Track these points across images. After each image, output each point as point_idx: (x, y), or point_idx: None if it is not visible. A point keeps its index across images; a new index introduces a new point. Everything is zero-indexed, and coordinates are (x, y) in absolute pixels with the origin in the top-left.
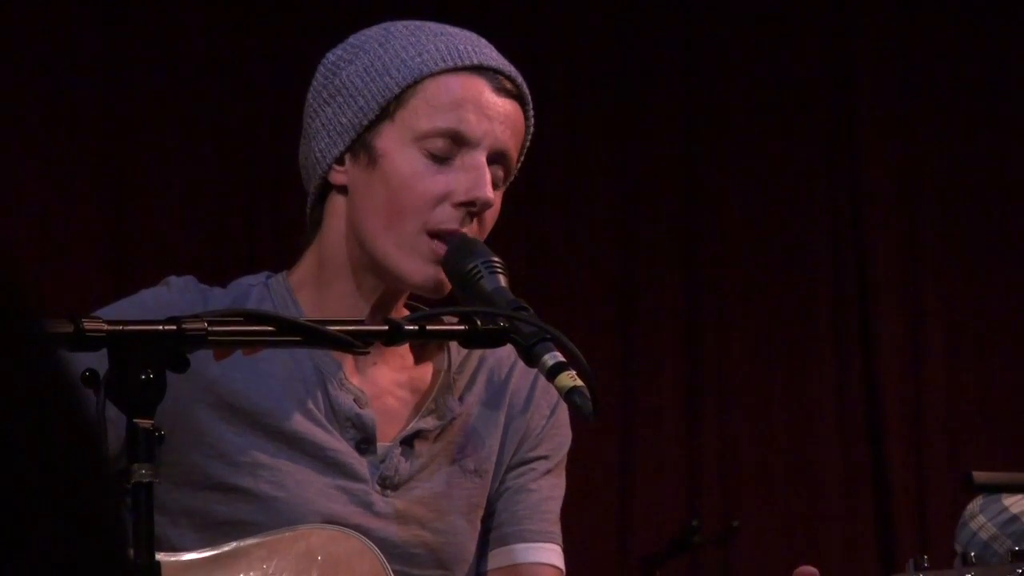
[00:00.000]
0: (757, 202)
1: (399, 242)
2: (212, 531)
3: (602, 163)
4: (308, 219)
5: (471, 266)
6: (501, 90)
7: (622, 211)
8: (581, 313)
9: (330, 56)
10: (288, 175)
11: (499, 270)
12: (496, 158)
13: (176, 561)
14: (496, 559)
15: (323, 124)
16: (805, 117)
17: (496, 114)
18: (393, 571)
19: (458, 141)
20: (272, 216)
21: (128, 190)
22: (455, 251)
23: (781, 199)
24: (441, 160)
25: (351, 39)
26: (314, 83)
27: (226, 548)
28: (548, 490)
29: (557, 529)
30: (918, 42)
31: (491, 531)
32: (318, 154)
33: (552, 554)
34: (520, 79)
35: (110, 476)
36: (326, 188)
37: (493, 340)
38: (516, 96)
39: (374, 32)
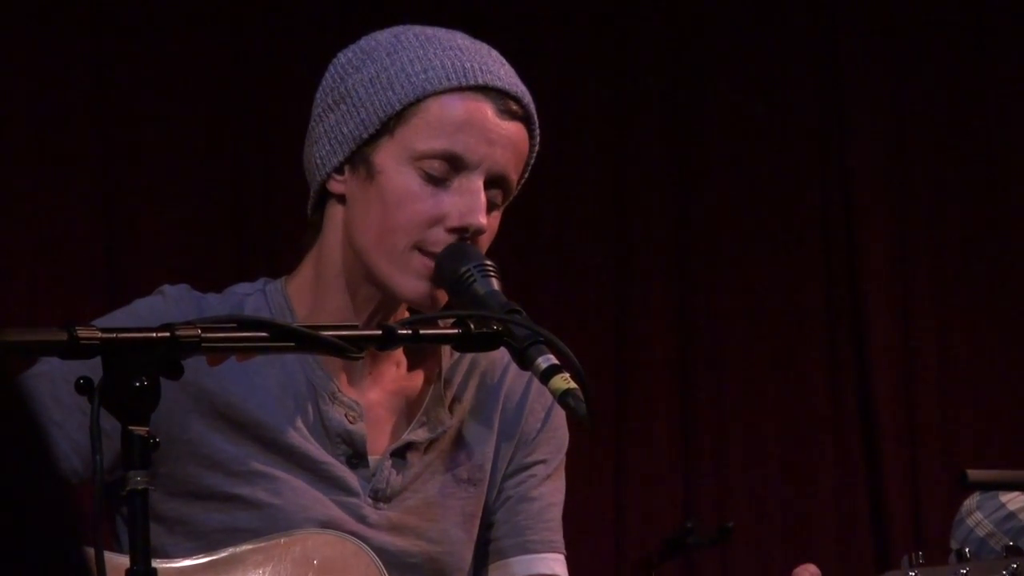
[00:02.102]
0: (748, 202)
1: (391, 258)
2: (209, 539)
3: (591, 152)
4: (308, 222)
5: (464, 270)
6: (506, 112)
7: (613, 199)
8: (574, 314)
9: (341, 57)
10: (279, 179)
11: (492, 273)
12: (495, 182)
13: (172, 567)
14: (497, 571)
15: (325, 131)
16: (794, 110)
17: (498, 137)
18: None
19: (456, 164)
20: (263, 220)
21: (119, 197)
22: (448, 255)
23: (771, 198)
24: (438, 181)
25: (362, 41)
26: (323, 84)
27: (222, 554)
28: (549, 496)
29: (559, 537)
30: (906, 33)
31: (492, 542)
32: (318, 160)
33: (555, 563)
34: (527, 98)
35: (55, 479)
36: (325, 194)
37: (487, 343)
38: (521, 117)
39: (385, 38)
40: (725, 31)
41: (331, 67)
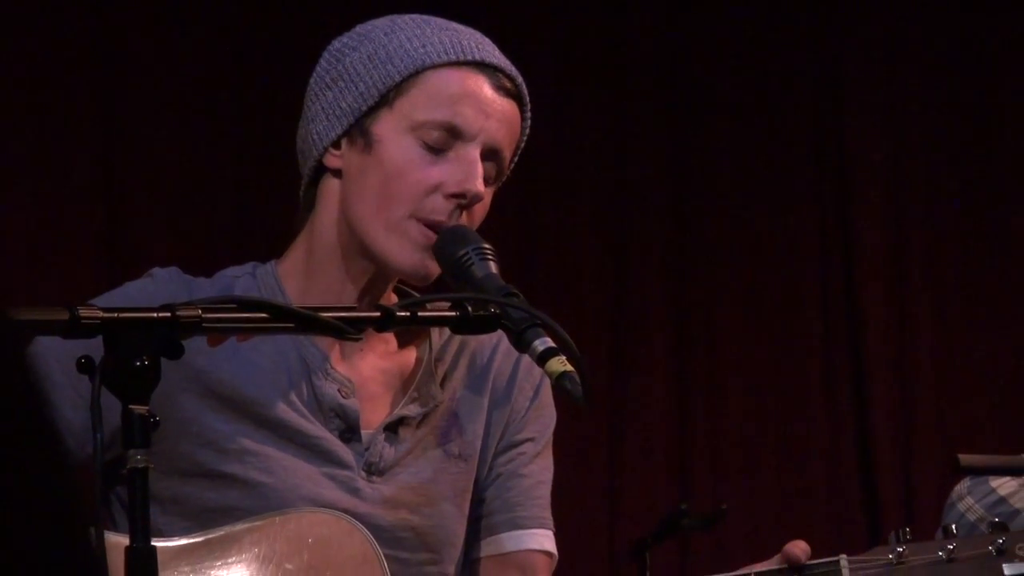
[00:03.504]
0: (747, 199)
1: (388, 226)
2: (201, 518)
3: (588, 149)
4: (301, 201)
5: (462, 253)
6: (500, 88)
7: (612, 195)
8: (571, 298)
9: (335, 43)
10: (280, 163)
11: (490, 256)
12: (490, 154)
13: (168, 547)
14: (489, 547)
15: (323, 108)
16: (794, 109)
17: (493, 111)
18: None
19: (454, 134)
20: (262, 205)
21: (119, 181)
22: (446, 238)
23: (770, 196)
24: (436, 151)
25: (358, 28)
26: (317, 68)
27: (217, 533)
28: (538, 474)
29: (548, 514)
30: (906, 33)
31: (482, 519)
32: (315, 136)
33: (544, 539)
34: (520, 79)
35: (63, 458)
36: (320, 171)
37: (484, 326)
38: (515, 96)
39: (381, 22)
40: (726, 30)
41: (326, 52)
